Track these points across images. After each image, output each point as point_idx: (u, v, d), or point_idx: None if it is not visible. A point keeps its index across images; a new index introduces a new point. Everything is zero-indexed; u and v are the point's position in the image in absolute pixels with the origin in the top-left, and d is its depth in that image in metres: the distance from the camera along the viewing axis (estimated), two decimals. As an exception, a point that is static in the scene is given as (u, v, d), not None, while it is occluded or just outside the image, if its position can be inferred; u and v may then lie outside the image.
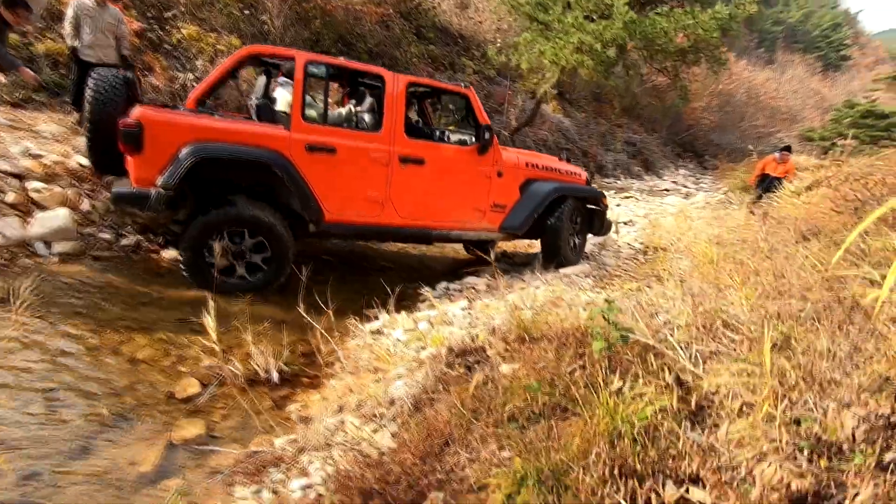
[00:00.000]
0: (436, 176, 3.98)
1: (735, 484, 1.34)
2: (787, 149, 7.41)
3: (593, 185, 5.13)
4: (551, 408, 1.96)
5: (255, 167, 3.32)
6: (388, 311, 3.25)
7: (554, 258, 4.50)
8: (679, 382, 2.04)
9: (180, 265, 3.34)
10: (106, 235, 3.74)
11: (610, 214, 5.14)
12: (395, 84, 3.83)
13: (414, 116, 4.73)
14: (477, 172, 4.14)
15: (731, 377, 1.64)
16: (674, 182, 14.04)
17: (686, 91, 8.69)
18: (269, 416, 2.29)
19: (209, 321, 1.91)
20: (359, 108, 4.27)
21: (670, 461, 1.60)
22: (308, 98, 3.92)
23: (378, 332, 3.15)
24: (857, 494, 1.21)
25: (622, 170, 13.42)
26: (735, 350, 2.19)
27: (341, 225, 3.71)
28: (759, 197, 6.71)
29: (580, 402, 1.90)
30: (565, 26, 6.67)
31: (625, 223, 6.93)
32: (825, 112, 21.04)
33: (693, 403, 1.86)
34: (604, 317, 2.35)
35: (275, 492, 1.68)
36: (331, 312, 2.74)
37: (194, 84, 6.14)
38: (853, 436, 1.31)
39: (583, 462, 1.55)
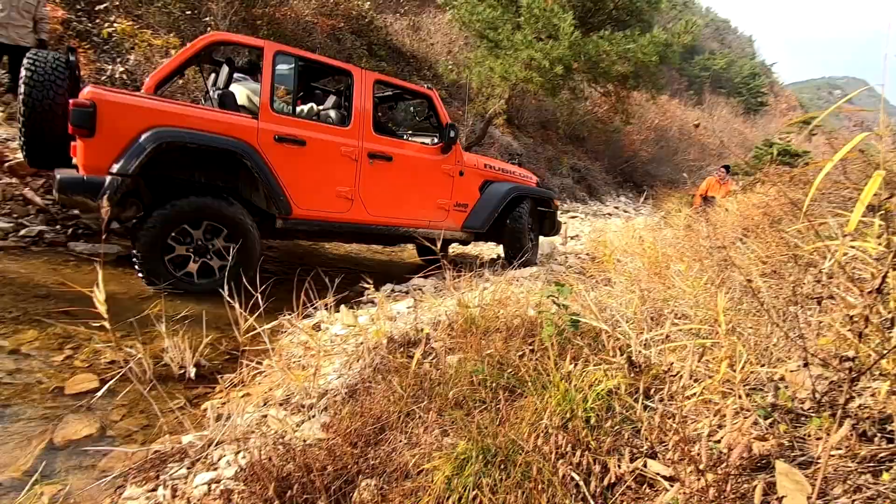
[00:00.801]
0: (403, 173, 3.95)
1: (697, 450, 1.23)
2: (727, 168, 7.68)
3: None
4: (500, 390, 1.80)
5: (222, 156, 3.11)
6: (326, 307, 3.01)
7: (516, 258, 4.42)
8: (631, 363, 1.95)
9: (134, 251, 2.98)
10: (0, 224, 3.28)
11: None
12: (364, 80, 3.79)
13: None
14: (441, 171, 4.16)
15: (687, 344, 1.56)
16: (616, 207, 14.65)
17: (628, 115, 9.14)
18: (179, 414, 1.98)
19: (98, 294, 1.62)
20: (321, 107, 4.19)
21: (626, 436, 1.49)
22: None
23: (315, 327, 2.90)
24: (819, 451, 1.13)
25: (568, 193, 13.83)
26: (685, 339, 2.15)
27: (309, 221, 3.57)
28: (701, 205, 6.94)
29: (530, 382, 1.77)
30: (515, 44, 6.85)
31: (572, 237, 7.03)
32: (748, 150, 22.87)
33: (647, 383, 1.77)
34: (554, 301, 2.25)
35: (174, 489, 1.40)
36: (262, 306, 2.48)
37: (123, 77, 5.74)
38: (814, 393, 1.24)
39: (534, 438, 1.39)
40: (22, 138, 2.97)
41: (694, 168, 21.09)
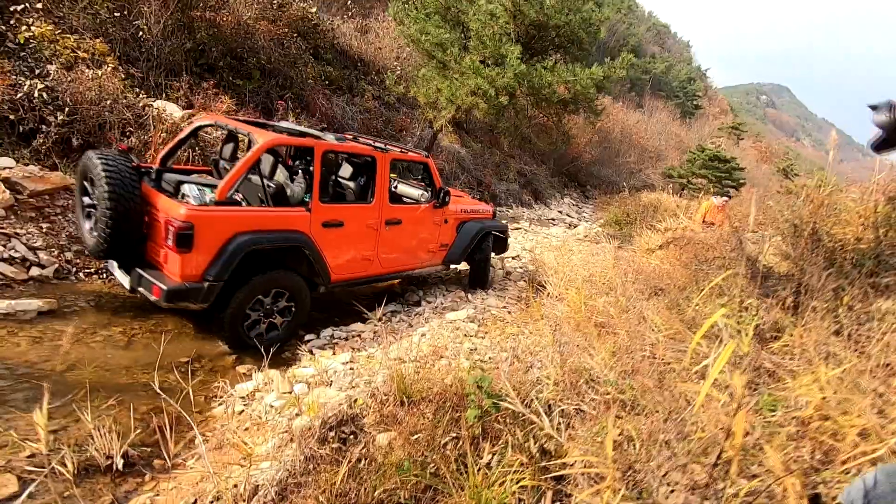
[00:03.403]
0: (407, 231, 4.74)
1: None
2: (728, 196, 8.03)
3: (498, 216, 6.36)
4: (422, 489, 1.95)
5: (287, 249, 3.73)
6: (261, 370, 3.05)
7: (481, 281, 5.68)
8: (543, 451, 2.17)
9: (224, 320, 3.42)
10: None
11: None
12: (384, 162, 4.37)
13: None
14: (433, 223, 5.05)
15: (585, 447, 1.77)
16: (560, 211, 15.16)
17: (567, 136, 9.49)
18: (106, 514, 2.00)
19: (40, 418, 1.60)
20: (341, 177, 4.82)
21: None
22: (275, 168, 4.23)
23: (251, 395, 2.94)
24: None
25: (514, 199, 14.17)
26: (594, 410, 2.40)
27: (342, 283, 4.24)
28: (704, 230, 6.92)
29: (449, 482, 1.93)
30: (462, 68, 6.94)
31: (512, 258, 7.29)
32: (683, 153, 24.21)
33: (554, 475, 1.98)
34: (478, 386, 2.43)
35: None
36: (191, 371, 2.50)
37: (43, 94, 5.35)
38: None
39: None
40: (103, 242, 3.25)
41: (634, 171, 22.16)
